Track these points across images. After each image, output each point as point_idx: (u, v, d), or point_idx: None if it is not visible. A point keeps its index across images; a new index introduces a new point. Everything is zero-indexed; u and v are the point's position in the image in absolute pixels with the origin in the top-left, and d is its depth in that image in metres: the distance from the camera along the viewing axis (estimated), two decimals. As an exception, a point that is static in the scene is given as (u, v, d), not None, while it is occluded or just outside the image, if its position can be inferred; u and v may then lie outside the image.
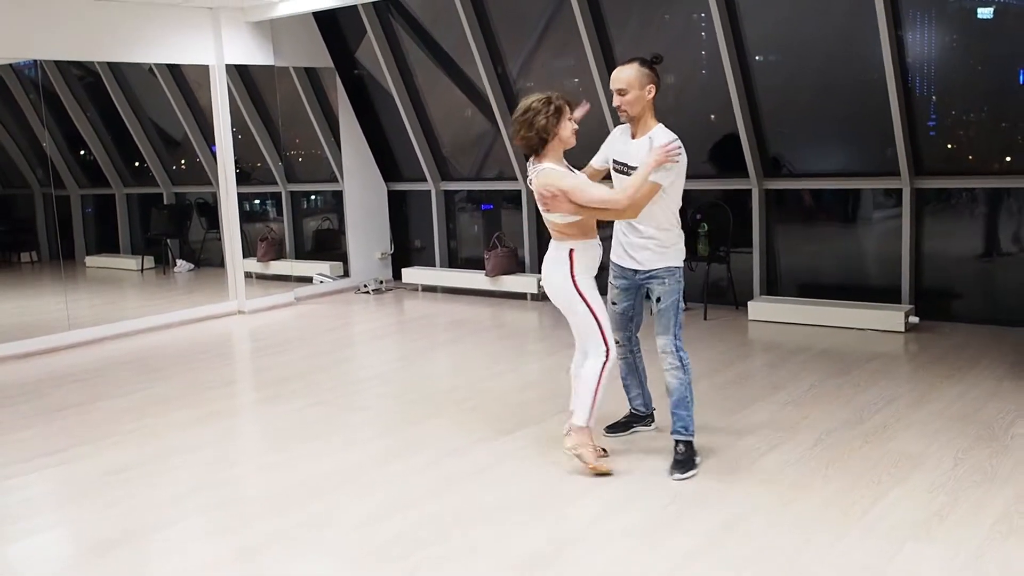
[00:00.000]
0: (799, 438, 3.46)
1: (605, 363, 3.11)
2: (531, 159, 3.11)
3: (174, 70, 7.10)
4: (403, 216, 7.72)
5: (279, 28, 6.78)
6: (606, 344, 3.12)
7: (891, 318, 5.11)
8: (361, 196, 7.48)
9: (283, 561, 2.66)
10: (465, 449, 3.49)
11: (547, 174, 3.04)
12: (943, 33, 5.19)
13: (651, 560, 2.59)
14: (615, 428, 3.56)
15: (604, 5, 5.82)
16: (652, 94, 3.13)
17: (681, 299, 3.22)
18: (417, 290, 7.22)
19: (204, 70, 6.54)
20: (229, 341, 6.04)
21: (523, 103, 3.06)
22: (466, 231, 7.54)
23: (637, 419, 3.57)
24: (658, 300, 3.18)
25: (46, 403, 4.44)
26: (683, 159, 3.10)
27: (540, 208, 3.09)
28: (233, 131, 6.62)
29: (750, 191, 5.77)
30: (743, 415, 3.77)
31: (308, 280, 7.35)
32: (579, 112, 3.16)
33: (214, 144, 6.68)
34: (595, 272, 3.18)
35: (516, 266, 6.78)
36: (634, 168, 3.12)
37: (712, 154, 6.00)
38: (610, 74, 3.22)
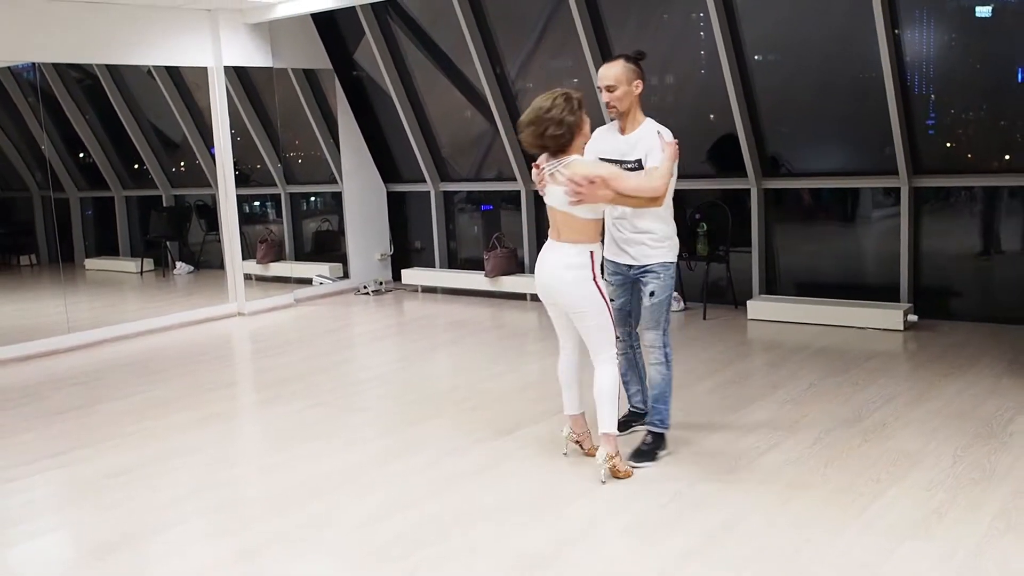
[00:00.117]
0: (798, 437, 3.46)
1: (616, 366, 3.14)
2: (546, 157, 3.07)
3: (172, 72, 7.10)
4: (402, 217, 7.72)
5: (277, 30, 6.79)
6: (614, 347, 3.13)
7: (890, 316, 5.11)
8: (360, 197, 7.48)
9: (283, 562, 2.66)
10: (465, 449, 3.50)
11: (580, 164, 3.02)
12: (942, 32, 5.19)
13: (650, 559, 2.60)
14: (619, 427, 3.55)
15: (602, 5, 5.83)
16: (639, 89, 3.17)
17: (672, 295, 3.26)
18: (417, 291, 7.23)
19: (203, 72, 6.54)
20: (229, 343, 6.05)
21: (540, 103, 2.99)
22: (465, 232, 7.54)
23: (636, 417, 3.57)
24: (651, 295, 3.20)
25: (46, 406, 4.45)
26: None
27: (570, 200, 2.99)
28: (232, 133, 6.62)
29: (749, 190, 5.78)
30: (742, 414, 3.78)
31: (308, 282, 7.36)
32: None
33: (213, 146, 6.68)
34: None
35: (516, 267, 6.78)
36: (629, 163, 3.16)
37: (711, 154, 6.00)
38: None
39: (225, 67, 6.51)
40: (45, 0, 5.59)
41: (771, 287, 5.87)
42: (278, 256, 7.54)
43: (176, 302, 7.20)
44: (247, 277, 6.84)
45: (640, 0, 5.89)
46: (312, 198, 8.08)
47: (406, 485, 3.18)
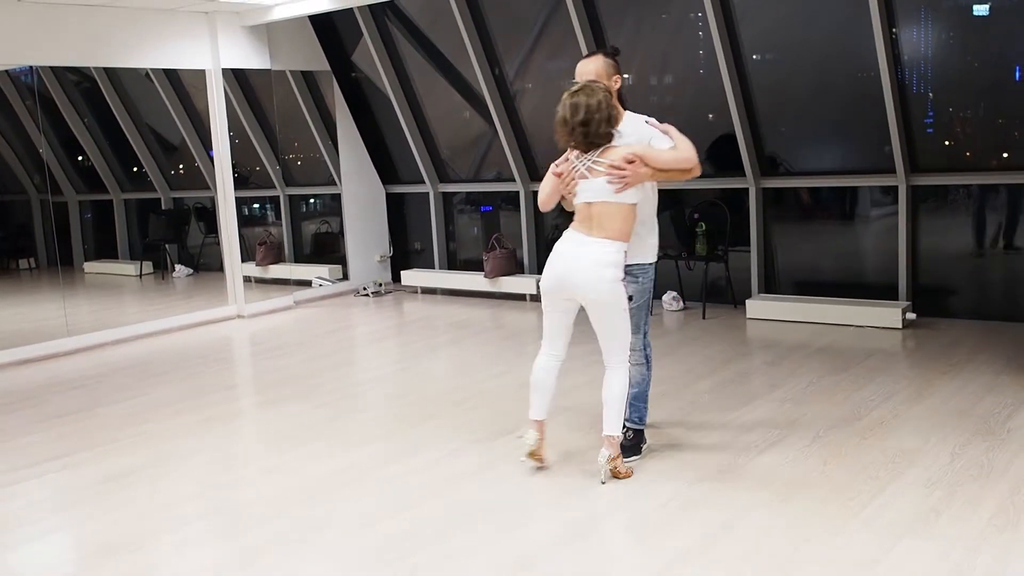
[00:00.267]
0: (797, 435, 3.47)
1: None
2: (577, 155, 3.03)
3: (171, 75, 7.10)
4: (402, 218, 7.73)
5: (275, 32, 6.80)
6: (628, 351, 3.12)
7: (888, 315, 5.12)
8: (359, 199, 7.49)
9: (284, 563, 2.67)
10: (465, 450, 3.50)
11: (613, 150, 2.99)
12: (939, 30, 5.20)
13: (650, 559, 2.60)
14: None
15: (600, 6, 5.84)
16: (618, 84, 3.17)
17: (650, 298, 3.25)
18: (416, 292, 7.23)
19: (201, 74, 6.55)
20: (229, 345, 6.05)
21: (586, 101, 2.92)
22: (465, 233, 7.55)
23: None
24: (630, 298, 3.16)
25: (46, 409, 4.45)
26: None
27: (616, 189, 2.94)
28: (230, 135, 6.63)
29: (747, 190, 5.79)
30: (742, 412, 3.79)
31: (307, 284, 7.36)
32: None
33: (212, 149, 6.69)
34: None
35: (515, 267, 6.78)
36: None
37: (709, 153, 6.00)
38: None
39: (223, 69, 6.52)
40: (42, 3, 5.59)
41: (770, 286, 5.88)
42: (277, 258, 7.54)
43: (175, 305, 7.21)
44: (246, 279, 6.84)
45: (638, 0, 5.90)
46: (311, 200, 8.09)
47: (406, 486, 3.19)
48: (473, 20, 6.30)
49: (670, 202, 5.97)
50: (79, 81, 7.39)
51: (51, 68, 6.63)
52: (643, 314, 3.25)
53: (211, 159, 6.74)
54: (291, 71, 7.19)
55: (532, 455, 3.17)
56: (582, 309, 3.12)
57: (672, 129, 3.11)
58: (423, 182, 7.32)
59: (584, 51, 5.85)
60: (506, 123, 6.54)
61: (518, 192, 6.82)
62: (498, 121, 6.51)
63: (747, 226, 5.80)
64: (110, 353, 5.71)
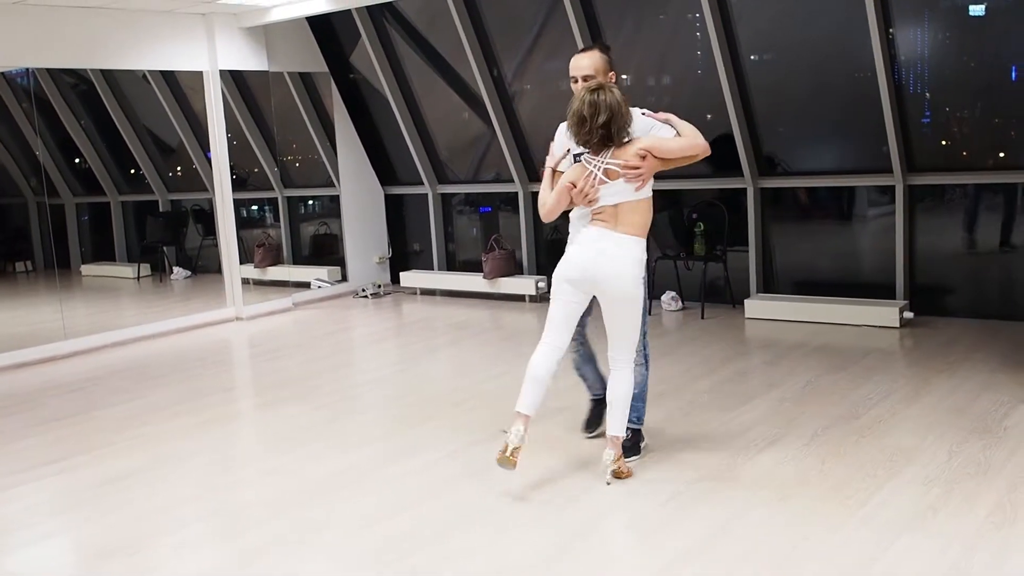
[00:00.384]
0: (796, 434, 3.48)
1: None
2: (584, 154, 2.98)
3: (168, 76, 7.10)
4: (400, 220, 7.73)
5: (273, 33, 6.80)
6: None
7: (886, 314, 5.13)
8: (358, 200, 7.49)
9: (283, 565, 2.67)
10: (464, 451, 3.51)
11: (627, 148, 2.95)
12: (935, 31, 5.22)
13: (650, 558, 2.61)
14: (591, 427, 3.53)
15: (598, 7, 5.85)
16: (613, 80, 3.15)
17: (644, 297, 3.18)
18: (415, 294, 7.24)
19: (198, 76, 6.55)
20: (227, 348, 6.05)
21: (609, 100, 2.86)
22: (464, 234, 7.55)
23: (602, 404, 3.41)
24: None
25: (44, 412, 4.45)
26: None
27: (636, 187, 2.92)
28: (228, 137, 6.63)
29: (745, 190, 5.80)
30: (740, 412, 3.79)
31: (306, 285, 7.36)
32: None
33: (209, 150, 6.69)
34: None
35: (514, 268, 6.79)
36: None
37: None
38: None
39: (221, 71, 6.52)
40: (39, 6, 5.59)
41: (768, 286, 5.89)
42: (276, 260, 7.54)
43: (173, 307, 7.20)
44: (245, 281, 6.84)
45: (635, 1, 5.91)
46: (310, 201, 8.09)
47: (406, 487, 3.19)
48: (471, 21, 6.31)
49: (669, 202, 5.99)
50: (76, 83, 7.38)
51: (47, 70, 6.63)
52: (644, 313, 3.25)
53: (209, 161, 6.74)
54: (289, 73, 7.19)
55: (509, 456, 2.91)
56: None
57: (672, 117, 3.08)
58: (422, 183, 7.33)
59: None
60: (504, 124, 6.55)
61: (517, 193, 6.83)
62: (496, 122, 6.52)
63: (745, 226, 5.81)
64: (107, 356, 5.70)
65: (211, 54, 6.47)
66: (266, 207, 7.71)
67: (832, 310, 5.30)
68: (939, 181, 5.32)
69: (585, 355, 3.46)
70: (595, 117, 2.88)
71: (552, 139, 3.25)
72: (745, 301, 5.66)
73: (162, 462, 3.61)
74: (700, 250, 5.77)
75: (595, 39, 5.87)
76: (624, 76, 6.11)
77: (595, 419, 3.53)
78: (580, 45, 5.81)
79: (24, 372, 5.37)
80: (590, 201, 2.96)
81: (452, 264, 7.44)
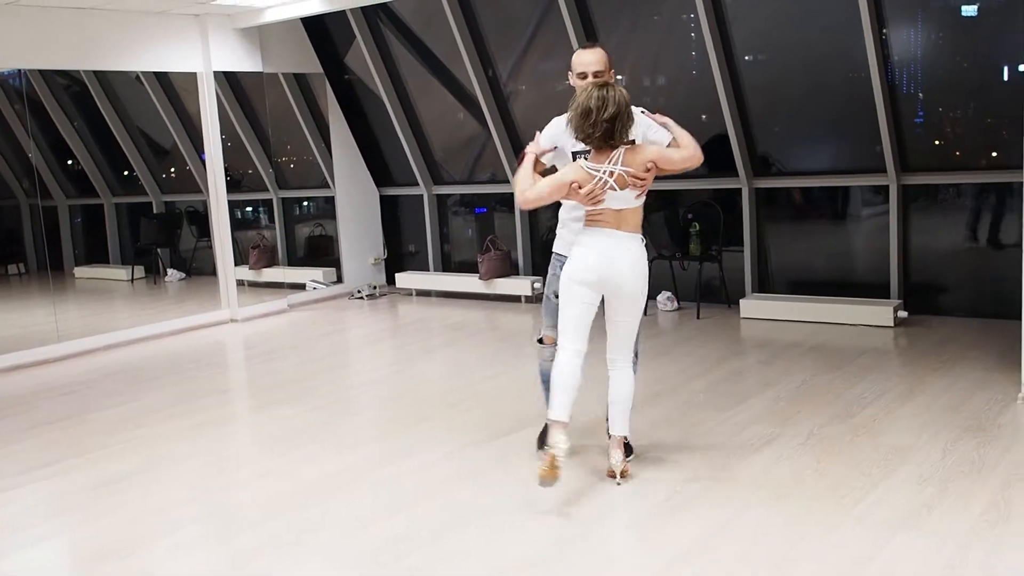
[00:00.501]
0: (791, 433, 3.48)
1: None
2: (586, 153, 2.95)
3: (161, 78, 7.08)
4: (396, 221, 7.72)
5: (267, 34, 6.78)
6: None
7: (880, 313, 5.15)
8: (353, 201, 7.48)
9: (279, 566, 2.66)
10: (461, 451, 3.50)
11: (636, 156, 2.94)
12: (928, 31, 5.24)
13: (648, 558, 2.61)
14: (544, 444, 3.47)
15: (592, 7, 5.85)
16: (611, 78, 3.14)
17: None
18: (411, 295, 7.23)
19: (192, 77, 6.53)
20: (222, 350, 6.03)
21: (616, 96, 2.83)
22: (459, 235, 7.55)
23: None
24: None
25: (38, 415, 4.43)
26: None
27: (636, 196, 2.92)
28: (223, 138, 6.61)
29: (740, 190, 5.81)
30: (736, 411, 3.80)
31: (301, 287, 7.34)
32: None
33: (203, 152, 6.67)
34: None
35: (510, 269, 6.79)
36: None
37: (703, 154, 6.02)
38: None
39: (215, 72, 6.50)
40: (32, 7, 5.57)
41: (763, 286, 5.90)
42: (271, 261, 7.52)
43: (168, 309, 7.18)
44: (239, 283, 6.82)
45: (630, 1, 5.92)
46: (304, 203, 8.07)
47: (401, 488, 3.19)
48: (466, 21, 6.31)
49: (664, 203, 5.99)
50: (68, 84, 7.36)
51: (40, 71, 6.61)
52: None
53: (203, 162, 6.72)
54: (283, 74, 7.17)
55: (555, 468, 2.82)
56: None
57: (670, 122, 3.06)
58: (417, 184, 7.32)
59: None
60: (500, 125, 6.55)
61: (511, 194, 6.82)
62: (492, 123, 6.52)
63: (740, 226, 5.83)
64: (101, 358, 5.68)
65: (205, 55, 6.45)
66: (261, 208, 7.70)
67: (827, 310, 5.31)
68: (932, 181, 5.34)
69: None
70: (602, 111, 2.84)
71: (540, 130, 3.17)
72: (740, 301, 5.67)
73: (157, 464, 3.60)
74: (695, 250, 5.78)
75: (590, 39, 5.88)
76: (619, 76, 6.11)
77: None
78: (575, 45, 5.83)
79: (17, 375, 5.35)
80: (595, 203, 2.93)
81: (447, 265, 7.43)
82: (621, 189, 2.91)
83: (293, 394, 4.53)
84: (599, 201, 2.93)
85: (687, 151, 3.01)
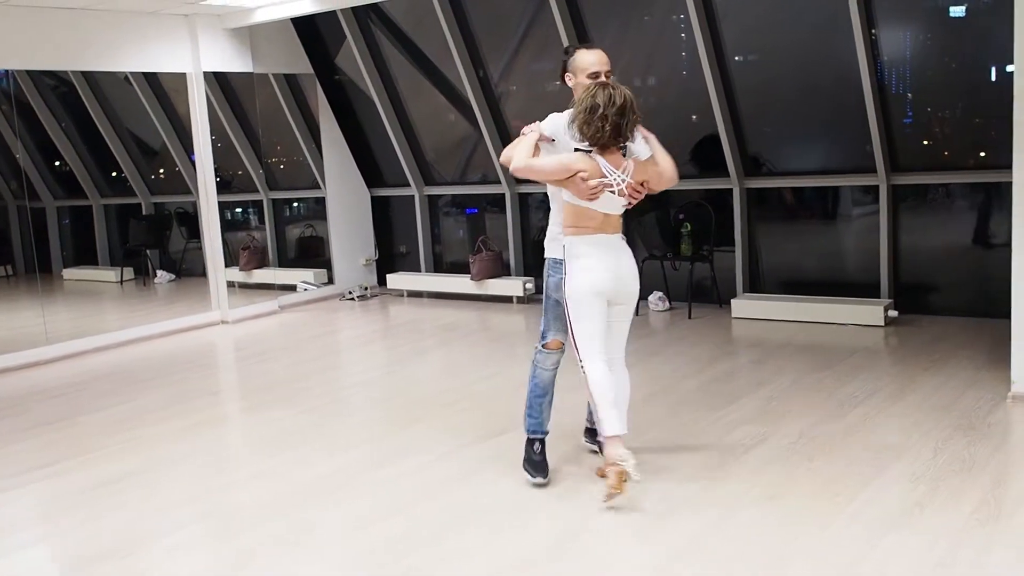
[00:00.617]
0: (783, 432, 3.51)
1: None
2: (599, 152, 2.92)
3: (150, 78, 7.04)
4: (387, 222, 7.71)
5: (257, 35, 6.76)
6: None
7: (871, 312, 5.19)
8: (344, 202, 7.46)
9: (277, 567, 2.66)
10: (455, 452, 3.51)
11: (638, 170, 2.95)
12: (917, 32, 5.28)
13: (642, 558, 2.62)
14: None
15: (583, 8, 5.86)
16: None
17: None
18: (402, 296, 7.22)
19: (181, 78, 6.50)
20: (213, 351, 6.01)
21: (622, 91, 2.84)
22: (450, 235, 7.54)
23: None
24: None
25: (29, 418, 4.40)
26: None
27: (624, 204, 2.94)
28: (212, 139, 6.58)
29: (731, 190, 5.84)
30: (728, 411, 3.82)
31: (292, 288, 7.32)
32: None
33: (193, 153, 6.64)
34: None
35: (501, 269, 6.79)
36: None
37: (694, 154, 6.05)
38: None
39: (204, 73, 6.47)
40: (20, 7, 5.52)
41: (755, 286, 5.93)
42: (261, 263, 7.50)
43: (158, 311, 7.14)
44: (230, 284, 6.79)
45: (621, 2, 5.94)
46: (295, 204, 8.05)
47: (397, 489, 3.19)
48: (457, 22, 6.30)
49: (655, 203, 6.01)
50: (56, 85, 7.30)
51: (27, 72, 6.56)
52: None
53: (193, 163, 6.69)
54: (274, 74, 7.15)
55: (623, 484, 2.83)
56: None
57: (652, 139, 3.05)
58: (408, 185, 7.31)
59: (576, 45, 5.85)
60: (491, 125, 6.55)
61: (504, 194, 6.83)
62: (483, 123, 6.52)
63: (731, 226, 5.85)
64: (91, 360, 5.64)
65: (195, 55, 6.42)
66: (251, 209, 7.67)
67: (818, 309, 5.35)
68: (922, 181, 5.38)
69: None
70: (610, 106, 2.83)
71: (536, 121, 3.09)
72: (732, 301, 5.70)
73: (152, 466, 3.58)
74: (687, 250, 5.80)
75: (581, 40, 5.88)
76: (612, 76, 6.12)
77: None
78: (566, 45, 5.84)
79: (6, 377, 5.30)
80: (593, 198, 2.91)
81: (439, 266, 7.43)
82: (620, 197, 2.93)
83: (286, 395, 4.52)
84: (596, 198, 2.92)
85: (667, 173, 3.01)
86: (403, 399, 4.40)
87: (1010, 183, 3.71)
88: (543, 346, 3.15)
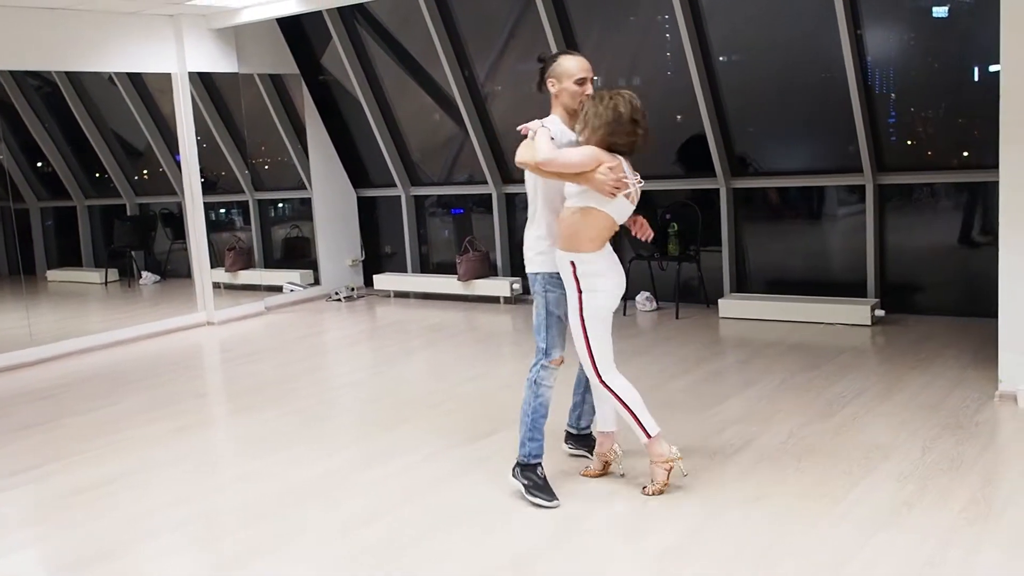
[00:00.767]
0: (771, 432, 3.51)
1: None
2: (626, 160, 2.92)
3: (135, 79, 6.98)
4: (373, 222, 7.68)
5: (243, 35, 6.71)
6: None
7: (858, 312, 5.21)
8: (330, 203, 7.42)
9: (264, 570, 2.63)
10: (443, 453, 3.49)
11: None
12: (901, 32, 5.31)
13: (631, 558, 2.62)
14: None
15: (569, 7, 5.86)
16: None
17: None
18: (389, 296, 7.19)
19: (166, 78, 6.44)
20: (199, 353, 5.95)
21: (634, 103, 2.85)
22: (437, 236, 7.52)
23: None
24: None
25: (13, 420, 4.34)
26: None
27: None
28: (198, 140, 6.53)
29: (718, 190, 5.85)
30: (716, 411, 3.82)
31: (278, 289, 7.28)
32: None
33: (178, 153, 6.58)
34: None
35: (488, 270, 6.78)
36: None
37: (680, 154, 6.06)
38: None
39: (189, 73, 6.42)
40: (2, 7, 5.45)
41: (742, 285, 5.95)
42: (247, 264, 7.44)
43: (143, 313, 7.07)
44: (216, 286, 6.74)
45: (606, 2, 5.94)
46: (280, 204, 8.00)
47: (384, 490, 3.17)
48: (443, 22, 6.28)
49: (642, 203, 5.98)
50: (40, 86, 7.22)
51: (10, 72, 6.48)
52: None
53: (178, 164, 6.63)
54: (259, 74, 7.10)
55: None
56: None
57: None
58: (394, 185, 7.28)
59: (554, 52, 5.85)
60: (477, 125, 6.53)
61: (490, 194, 6.82)
62: (469, 123, 6.50)
63: (718, 226, 5.87)
64: (76, 362, 5.58)
65: (180, 56, 6.37)
66: (236, 210, 7.61)
67: (805, 309, 5.37)
68: (907, 180, 5.42)
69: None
70: (636, 111, 2.84)
71: (536, 121, 3.01)
72: (719, 301, 5.71)
73: (138, 469, 3.54)
74: (674, 250, 5.81)
75: (567, 40, 5.88)
76: (596, 77, 6.11)
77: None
78: (552, 46, 5.84)
79: (-12, 381, 5.24)
80: (617, 191, 2.87)
81: (426, 266, 7.41)
82: (631, 202, 2.93)
83: (273, 397, 4.48)
84: (617, 194, 2.86)
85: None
86: (390, 400, 4.38)
87: (994, 183, 3.73)
88: (549, 363, 3.01)
